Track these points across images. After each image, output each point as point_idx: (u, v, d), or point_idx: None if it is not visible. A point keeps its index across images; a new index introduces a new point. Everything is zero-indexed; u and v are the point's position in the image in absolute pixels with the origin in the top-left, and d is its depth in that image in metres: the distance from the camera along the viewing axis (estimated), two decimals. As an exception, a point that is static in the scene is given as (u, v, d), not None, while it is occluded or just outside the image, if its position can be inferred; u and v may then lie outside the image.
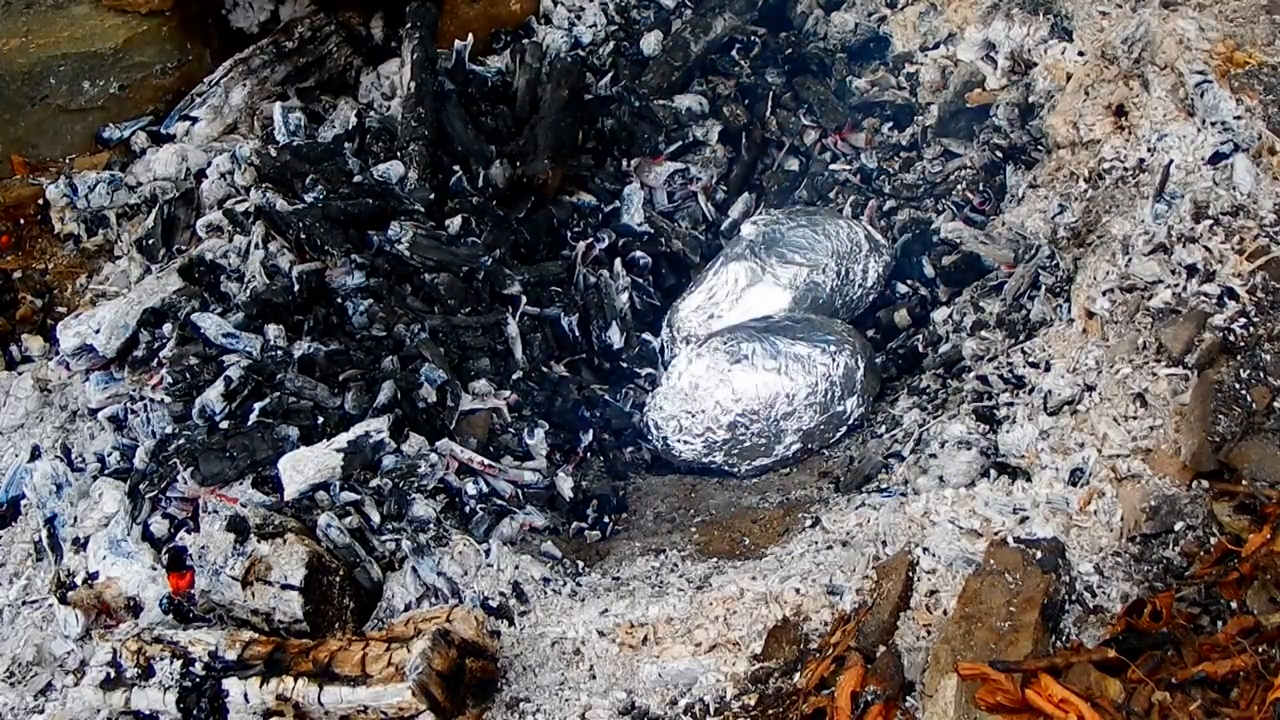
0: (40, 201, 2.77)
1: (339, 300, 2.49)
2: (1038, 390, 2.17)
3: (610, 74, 3.09)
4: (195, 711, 1.78)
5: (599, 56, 3.14)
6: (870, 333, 2.75)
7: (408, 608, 1.97)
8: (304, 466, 2.12)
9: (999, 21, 2.97)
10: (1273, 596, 1.52)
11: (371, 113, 2.91)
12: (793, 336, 2.53)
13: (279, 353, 2.36)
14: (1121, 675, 1.46)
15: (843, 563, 1.93)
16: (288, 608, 1.88)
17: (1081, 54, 2.73)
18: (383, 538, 2.06)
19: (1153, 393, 1.98)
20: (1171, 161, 2.29)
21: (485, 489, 2.24)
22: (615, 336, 2.75)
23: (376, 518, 2.09)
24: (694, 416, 2.52)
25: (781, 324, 2.61)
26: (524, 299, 2.63)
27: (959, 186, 2.87)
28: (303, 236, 2.54)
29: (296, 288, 2.46)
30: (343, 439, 2.17)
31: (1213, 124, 2.33)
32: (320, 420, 2.24)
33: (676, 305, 2.78)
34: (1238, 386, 1.88)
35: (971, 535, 1.89)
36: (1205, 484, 1.80)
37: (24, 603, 2.18)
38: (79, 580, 2.08)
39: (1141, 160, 2.40)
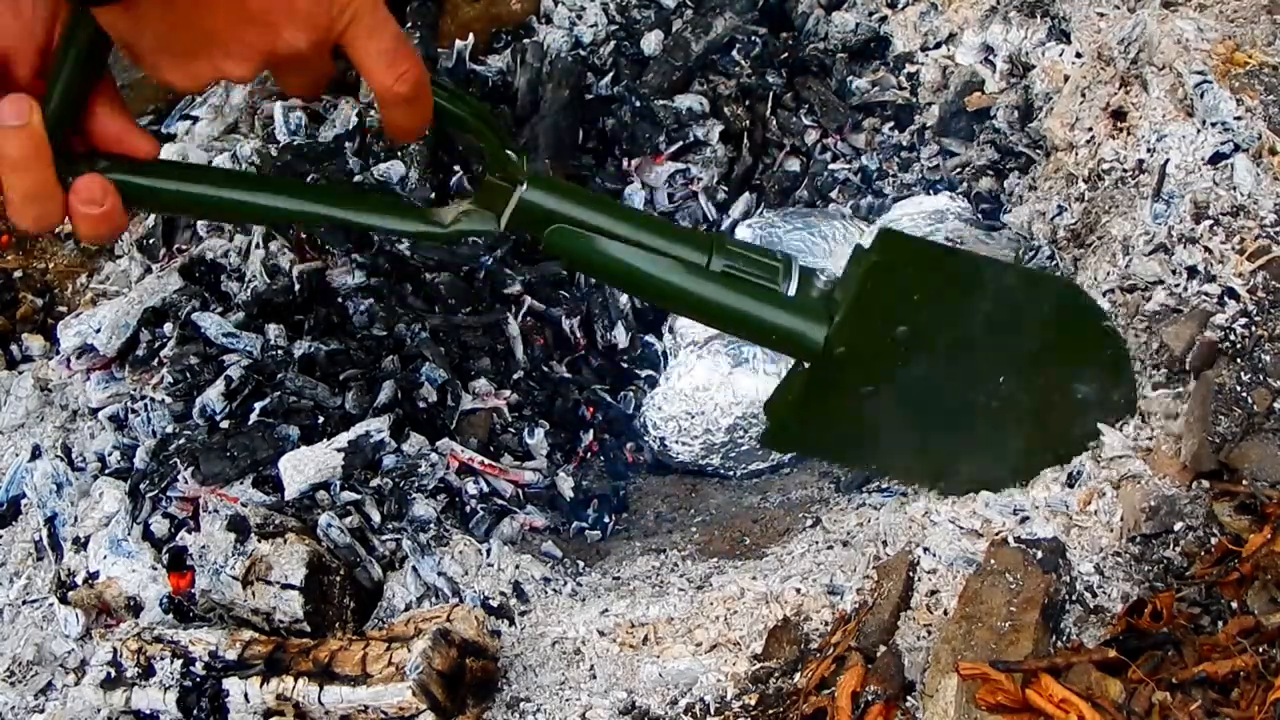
0: (41, 201, 2.76)
1: (339, 300, 2.49)
2: (1038, 390, 2.17)
3: (611, 74, 3.09)
4: (195, 711, 1.78)
5: (599, 56, 3.14)
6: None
7: (408, 607, 1.97)
8: (304, 466, 2.12)
9: (996, 25, 2.97)
10: (1273, 596, 1.52)
11: (372, 112, 2.91)
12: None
13: (279, 352, 2.36)
14: (1122, 675, 1.46)
15: (843, 562, 1.93)
16: (288, 607, 1.88)
17: (1079, 55, 2.73)
18: (383, 537, 2.06)
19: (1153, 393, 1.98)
20: (1167, 161, 2.29)
21: (486, 489, 2.24)
22: (620, 336, 2.75)
23: (377, 517, 2.09)
24: (693, 418, 2.52)
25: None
26: (529, 298, 2.63)
27: (959, 187, 2.87)
28: (303, 236, 2.54)
29: (297, 287, 2.46)
30: (343, 438, 2.17)
31: (1213, 124, 2.33)
32: (321, 420, 2.24)
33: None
34: (1238, 388, 1.88)
35: (972, 535, 1.89)
36: (1205, 484, 1.80)
37: (24, 602, 2.18)
38: (79, 580, 2.08)
39: (1141, 161, 2.39)
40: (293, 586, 1.88)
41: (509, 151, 1.22)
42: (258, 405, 2.25)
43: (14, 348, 2.65)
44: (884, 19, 3.25)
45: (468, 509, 2.19)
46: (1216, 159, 2.28)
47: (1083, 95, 2.61)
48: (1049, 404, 1.45)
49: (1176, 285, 2.09)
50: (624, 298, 2.83)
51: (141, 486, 2.18)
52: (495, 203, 1.21)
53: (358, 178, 2.72)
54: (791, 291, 1.31)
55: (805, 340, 1.31)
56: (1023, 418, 1.45)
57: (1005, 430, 1.45)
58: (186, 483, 2.14)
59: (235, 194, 1.17)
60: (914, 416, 1.43)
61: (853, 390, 1.38)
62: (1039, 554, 1.73)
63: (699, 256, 1.29)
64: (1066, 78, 2.71)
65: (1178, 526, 1.76)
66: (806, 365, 1.38)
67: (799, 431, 1.44)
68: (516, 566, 2.06)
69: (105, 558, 2.07)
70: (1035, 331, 1.43)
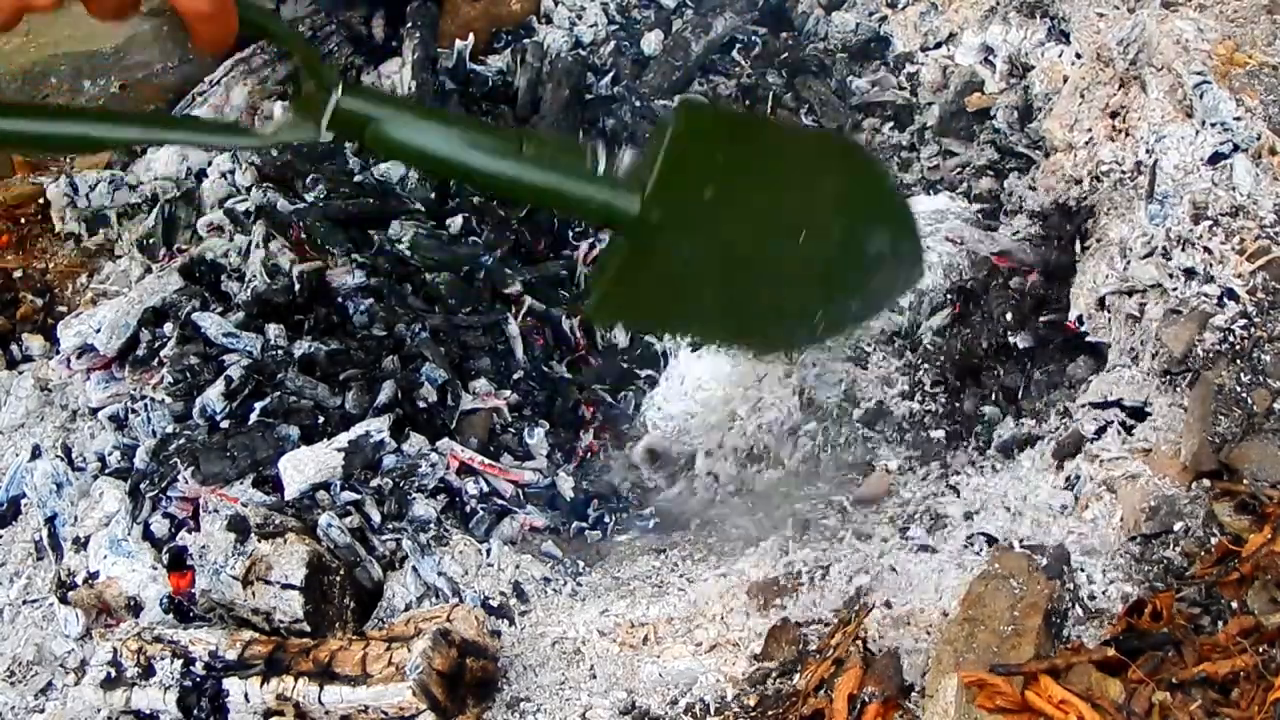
0: (41, 200, 2.77)
1: (340, 300, 2.49)
2: (1038, 391, 2.17)
3: (611, 74, 3.09)
4: (196, 711, 1.78)
5: (600, 56, 3.14)
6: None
7: (408, 607, 1.97)
8: (304, 466, 2.12)
9: (996, 25, 2.97)
10: (1273, 596, 1.51)
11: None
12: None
13: (279, 352, 2.36)
14: (1122, 675, 1.46)
15: (845, 562, 1.93)
16: (288, 607, 1.88)
17: (1079, 56, 2.73)
18: (383, 537, 2.06)
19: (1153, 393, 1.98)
20: (1157, 162, 2.29)
21: (486, 489, 2.24)
22: (620, 336, 2.76)
23: (377, 517, 2.09)
24: (693, 418, 2.52)
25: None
26: (529, 298, 2.63)
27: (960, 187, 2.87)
28: (303, 236, 2.54)
29: (297, 287, 2.46)
30: (343, 438, 2.17)
31: (1212, 125, 2.33)
32: (321, 420, 2.25)
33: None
34: (1238, 388, 1.88)
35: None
36: (1205, 484, 1.80)
37: (24, 602, 2.18)
38: (79, 580, 2.08)
39: (1139, 163, 2.40)
40: (293, 586, 1.88)
41: (318, 63, 1.27)
42: (258, 405, 2.25)
43: (14, 348, 2.65)
44: (884, 19, 3.25)
45: (468, 509, 2.19)
46: (1216, 159, 2.28)
47: (1082, 96, 2.61)
48: (846, 260, 1.50)
49: (1175, 287, 2.09)
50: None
51: (141, 486, 2.18)
52: (313, 110, 1.24)
53: (358, 177, 2.72)
54: (600, 170, 1.36)
55: (620, 209, 1.39)
56: (824, 274, 1.50)
57: (810, 287, 1.50)
58: (186, 483, 2.14)
59: (56, 127, 1.20)
60: (726, 279, 1.48)
61: (668, 256, 1.42)
62: (1044, 560, 1.72)
63: (511, 144, 1.34)
64: (1066, 78, 2.72)
65: (1178, 526, 1.76)
66: (622, 238, 1.43)
67: (621, 302, 1.48)
68: (516, 566, 2.06)
69: (105, 558, 2.07)
70: (827, 189, 1.47)
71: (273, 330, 2.39)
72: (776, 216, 1.46)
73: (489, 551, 2.08)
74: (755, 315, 1.53)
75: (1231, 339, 1.96)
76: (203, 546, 1.97)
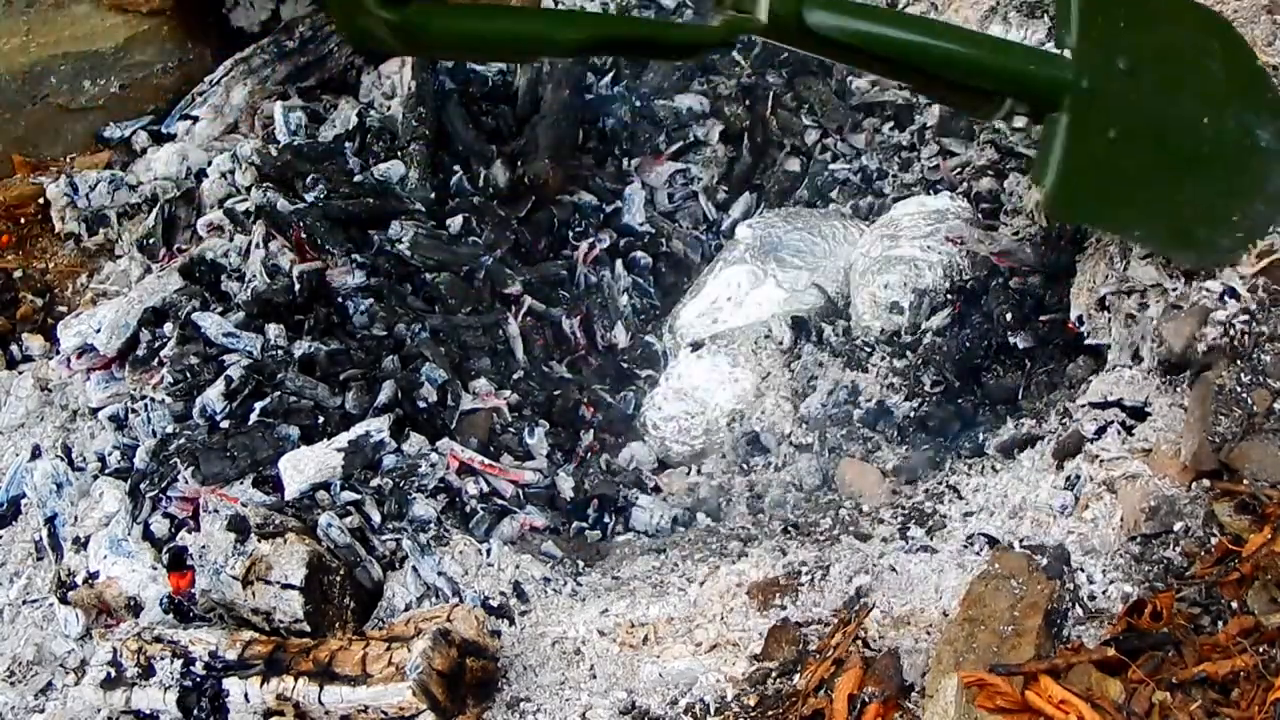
0: (41, 200, 2.77)
1: (340, 300, 2.49)
2: (1038, 391, 2.17)
3: (611, 74, 3.10)
4: (196, 711, 1.79)
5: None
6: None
7: (408, 607, 1.98)
8: (304, 466, 2.12)
9: (996, 25, 2.97)
10: (1273, 597, 1.52)
11: (372, 112, 2.92)
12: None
13: (279, 352, 2.36)
14: (1122, 675, 1.46)
15: (848, 558, 1.93)
16: (288, 607, 1.88)
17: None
18: (383, 537, 2.06)
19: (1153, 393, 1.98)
20: None
21: (486, 488, 2.25)
22: (620, 336, 2.76)
23: (377, 517, 2.09)
24: (693, 418, 2.52)
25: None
26: (529, 298, 2.63)
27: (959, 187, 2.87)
28: (303, 236, 2.54)
29: (297, 287, 2.46)
30: (343, 438, 2.17)
31: (1213, 125, 2.33)
32: (321, 420, 2.25)
33: (677, 312, 2.78)
34: (1238, 388, 1.88)
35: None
36: (1205, 484, 1.80)
37: (24, 602, 2.18)
38: (79, 580, 2.08)
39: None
40: (293, 586, 1.88)
41: None
42: (258, 405, 2.25)
43: (14, 348, 2.65)
44: (884, 19, 3.25)
45: (468, 509, 2.19)
46: (1216, 159, 2.27)
47: (1083, 95, 2.61)
48: (1244, 151, 1.36)
49: (1174, 288, 2.08)
50: (624, 298, 2.84)
51: (141, 486, 2.18)
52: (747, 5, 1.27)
53: (358, 177, 2.72)
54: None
55: (1054, 75, 1.24)
56: (1230, 166, 1.35)
57: (1222, 181, 1.37)
58: (186, 483, 2.14)
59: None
60: (1157, 165, 1.35)
61: (1103, 134, 1.30)
62: (1044, 560, 1.73)
63: (927, 25, 1.29)
64: (1066, 78, 2.72)
65: (1178, 526, 1.76)
66: (1058, 116, 1.29)
67: (1076, 191, 1.36)
68: (516, 566, 2.06)
69: (105, 558, 2.07)
70: (1215, 69, 1.34)
71: (273, 330, 2.39)
72: (1181, 96, 1.31)
73: (489, 551, 2.08)
74: (1185, 212, 1.37)
75: (1232, 334, 1.95)
76: (203, 546, 1.97)
